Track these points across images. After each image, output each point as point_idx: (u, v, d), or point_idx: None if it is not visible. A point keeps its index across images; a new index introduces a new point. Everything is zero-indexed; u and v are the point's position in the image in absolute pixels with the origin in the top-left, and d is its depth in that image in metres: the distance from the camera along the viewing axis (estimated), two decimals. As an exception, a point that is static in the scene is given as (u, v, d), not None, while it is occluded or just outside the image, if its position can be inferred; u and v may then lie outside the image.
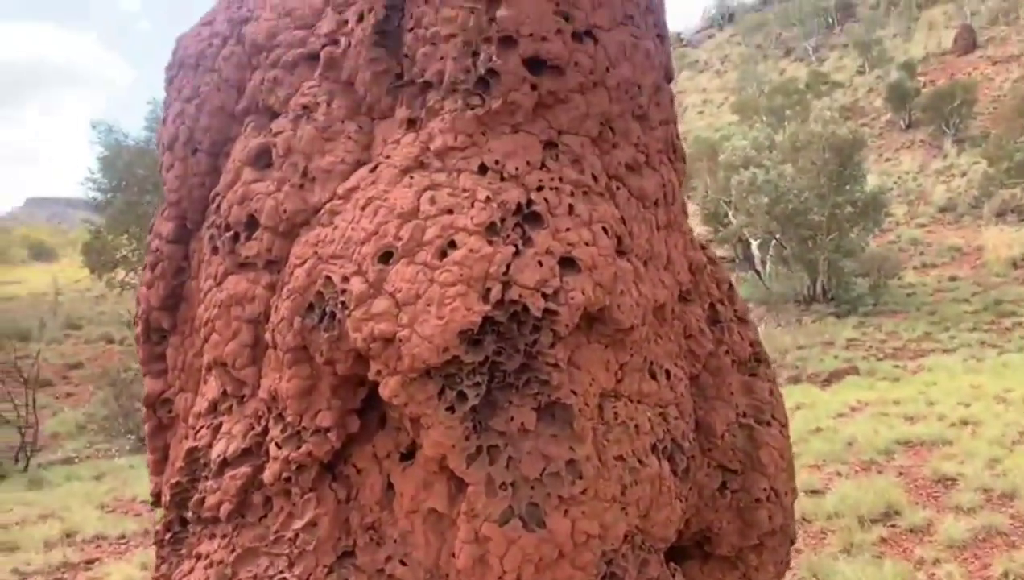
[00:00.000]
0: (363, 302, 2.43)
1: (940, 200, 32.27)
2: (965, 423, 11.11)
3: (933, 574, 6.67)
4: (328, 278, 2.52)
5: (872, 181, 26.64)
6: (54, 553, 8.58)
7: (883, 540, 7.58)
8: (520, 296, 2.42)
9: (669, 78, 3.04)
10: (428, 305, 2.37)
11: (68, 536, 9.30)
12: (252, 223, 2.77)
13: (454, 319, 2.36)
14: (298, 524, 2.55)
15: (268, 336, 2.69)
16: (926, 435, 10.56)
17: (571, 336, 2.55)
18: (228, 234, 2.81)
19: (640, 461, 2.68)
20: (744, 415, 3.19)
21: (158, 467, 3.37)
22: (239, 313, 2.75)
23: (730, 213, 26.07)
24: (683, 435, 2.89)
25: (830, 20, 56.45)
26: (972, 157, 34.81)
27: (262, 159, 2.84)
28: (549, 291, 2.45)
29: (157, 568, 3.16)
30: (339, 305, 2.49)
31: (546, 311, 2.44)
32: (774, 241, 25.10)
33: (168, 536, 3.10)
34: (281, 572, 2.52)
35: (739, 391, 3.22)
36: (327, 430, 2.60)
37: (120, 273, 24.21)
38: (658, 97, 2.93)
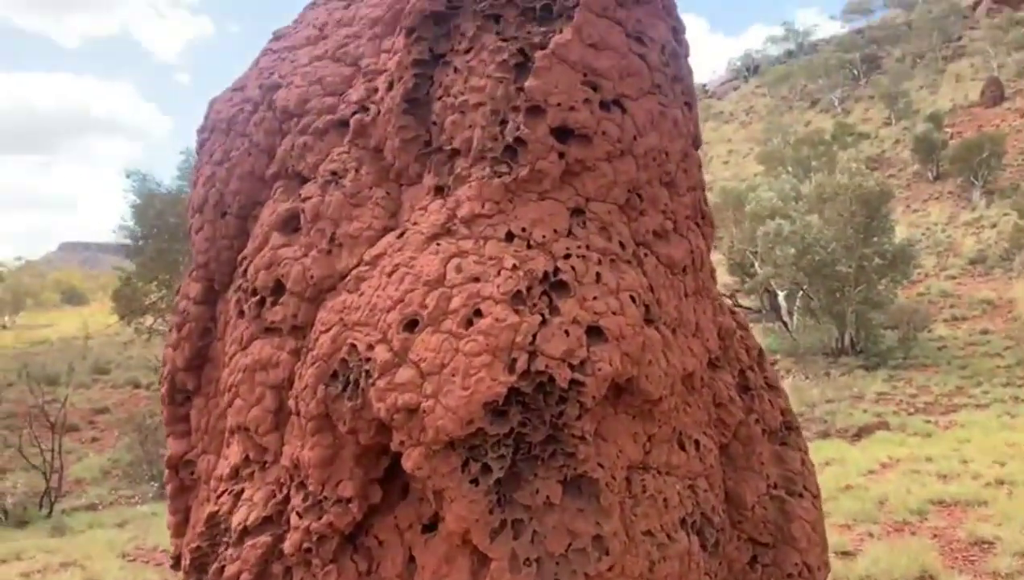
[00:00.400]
0: (387, 371, 2.41)
1: (970, 252, 31.91)
2: (1001, 483, 10.81)
3: (972, 645, 6.43)
4: (353, 346, 2.50)
5: (900, 232, 26.43)
6: (76, 603, 8.54)
7: (919, 607, 7.35)
8: (546, 366, 2.38)
9: (697, 145, 3.03)
10: (453, 375, 2.35)
11: (89, 586, 9.25)
12: (279, 288, 2.78)
13: (479, 390, 2.33)
14: (318, 597, 2.50)
15: (292, 403, 2.67)
16: (960, 495, 10.28)
17: (598, 407, 2.51)
18: (254, 299, 2.81)
19: (669, 536, 2.61)
20: (775, 486, 3.11)
21: (179, 529, 3.34)
22: (263, 378, 2.74)
23: (756, 264, 25.93)
24: (713, 508, 2.82)
25: (855, 72, 56.68)
26: (1002, 209, 34.48)
27: (290, 224, 2.86)
28: (576, 362, 2.41)
29: (175, 633, 3.11)
30: (363, 373, 2.47)
31: (573, 382, 2.41)
32: (801, 292, 24.88)
33: (187, 602, 3.06)
34: (300, 647, 2.46)
35: (770, 461, 3.15)
36: (349, 500, 2.56)
37: (148, 319, 24.45)
38: (686, 164, 2.92)
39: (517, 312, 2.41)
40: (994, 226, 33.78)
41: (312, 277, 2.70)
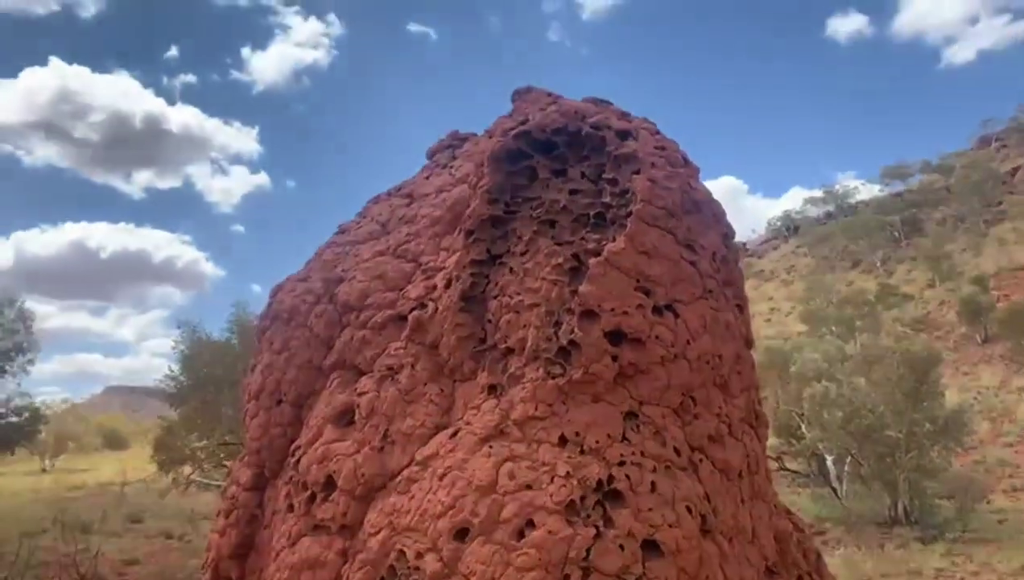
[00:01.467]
0: (437, 582, 2.36)
1: (1027, 418, 30.81)
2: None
3: None
4: (402, 552, 2.47)
5: (951, 397, 25.75)
6: None
7: None
8: (600, 582, 2.31)
9: (749, 346, 3.05)
10: (504, 590, 2.28)
11: None
12: (330, 484, 2.77)
13: (531, 607, 2.26)
14: None
15: (337, 607, 2.61)
16: None
17: (653, 624, 2.41)
18: (305, 494, 2.81)
19: None
20: None
21: None
22: (310, 578, 2.69)
23: (803, 426, 25.32)
24: None
25: (896, 234, 57.05)
26: (1056, 374, 33.51)
27: (345, 417, 2.89)
28: (631, 578, 2.34)
29: None
30: (412, 583, 2.41)
31: (628, 600, 2.32)
32: (850, 457, 24.10)
33: None
34: None
35: (834, 680, 2.95)
36: None
37: (187, 469, 24.35)
38: (739, 366, 2.92)
39: (570, 523, 2.37)
40: (1050, 391, 32.76)
41: (363, 475, 2.70)
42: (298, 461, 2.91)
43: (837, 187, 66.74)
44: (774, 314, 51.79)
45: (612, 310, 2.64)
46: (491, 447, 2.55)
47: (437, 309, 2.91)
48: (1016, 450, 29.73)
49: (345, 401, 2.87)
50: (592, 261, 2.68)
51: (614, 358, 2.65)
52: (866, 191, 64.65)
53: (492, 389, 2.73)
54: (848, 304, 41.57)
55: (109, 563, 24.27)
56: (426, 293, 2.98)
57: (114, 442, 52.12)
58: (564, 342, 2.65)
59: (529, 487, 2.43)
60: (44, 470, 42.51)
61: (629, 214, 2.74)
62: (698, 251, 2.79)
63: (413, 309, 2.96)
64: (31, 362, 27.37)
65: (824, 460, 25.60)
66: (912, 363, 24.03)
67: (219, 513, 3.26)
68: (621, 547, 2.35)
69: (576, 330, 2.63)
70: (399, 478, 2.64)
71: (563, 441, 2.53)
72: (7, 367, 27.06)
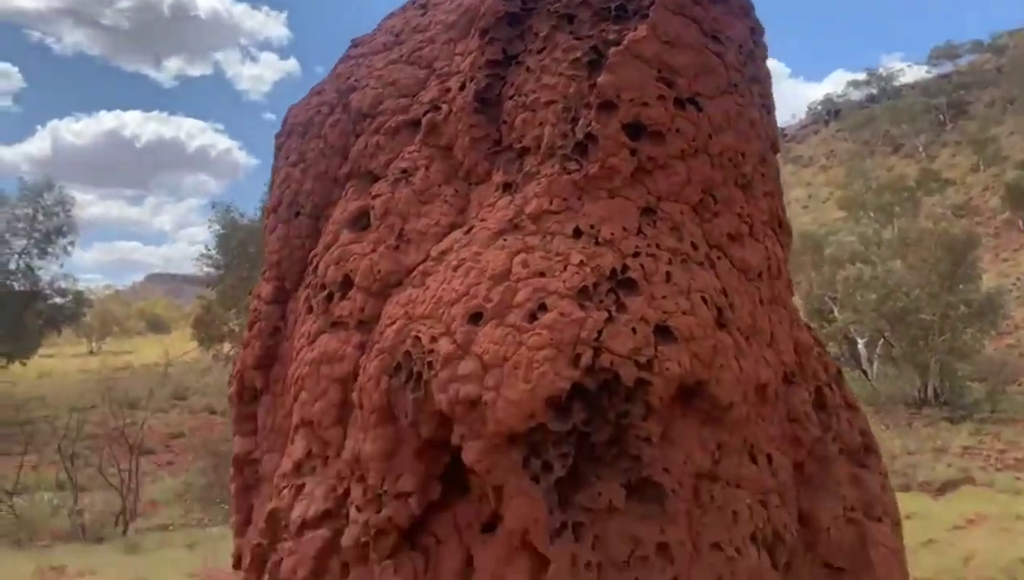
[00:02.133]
0: (450, 363, 2.38)
1: (1064, 304, 30.38)
2: (1100, 546, 10.10)
3: None
4: (417, 338, 2.48)
5: (988, 281, 25.38)
6: (143, 617, 8.69)
7: (1010, 672, 6.87)
8: (612, 364, 2.31)
9: (775, 149, 2.95)
10: (515, 368, 2.30)
11: (157, 602, 9.41)
12: (347, 283, 2.79)
13: (541, 384, 2.27)
14: (374, 593, 2.45)
15: (355, 396, 2.66)
16: (1059, 559, 9.64)
17: (665, 410, 2.42)
18: (323, 294, 2.83)
19: (738, 550, 2.48)
20: (852, 509, 2.94)
21: (241, 528, 3.35)
22: (328, 372, 2.74)
23: (835, 310, 25.20)
24: (785, 526, 2.68)
25: (941, 118, 55.15)
26: (1099, 260, 32.83)
27: (360, 221, 2.87)
28: (643, 360, 2.34)
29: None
30: (426, 366, 2.44)
31: (638, 381, 2.33)
32: (882, 340, 24.04)
33: (246, 601, 3.05)
34: (353, 642, 2.41)
35: (847, 483, 2.99)
36: (408, 495, 2.51)
37: (226, 346, 25.09)
38: (763, 168, 2.84)
39: (583, 307, 2.36)
40: (1091, 278, 32.16)
41: (379, 272, 2.70)
42: (316, 266, 2.92)
43: (881, 69, 64.08)
44: (811, 201, 50.93)
45: (631, 101, 2.56)
46: (505, 240, 2.52)
47: (451, 111, 2.85)
48: (1052, 335, 29.33)
49: (360, 205, 2.86)
50: (612, 51, 2.57)
51: (632, 152, 2.58)
52: (912, 73, 61.99)
53: (507, 187, 2.68)
54: (887, 190, 40.62)
55: (156, 436, 25.28)
56: (440, 96, 2.91)
57: (156, 326, 53.71)
58: (581, 137, 2.59)
59: (542, 274, 2.41)
60: (91, 352, 44.08)
61: (652, 3, 2.61)
62: (724, 43, 2.67)
63: (427, 112, 2.89)
64: (72, 244, 28.03)
65: (855, 343, 25.59)
66: (950, 245, 23.61)
67: (245, 327, 3.31)
68: (633, 330, 2.34)
69: (593, 123, 2.56)
70: (414, 273, 2.64)
71: (577, 233, 2.50)
72: (49, 249, 27.69)
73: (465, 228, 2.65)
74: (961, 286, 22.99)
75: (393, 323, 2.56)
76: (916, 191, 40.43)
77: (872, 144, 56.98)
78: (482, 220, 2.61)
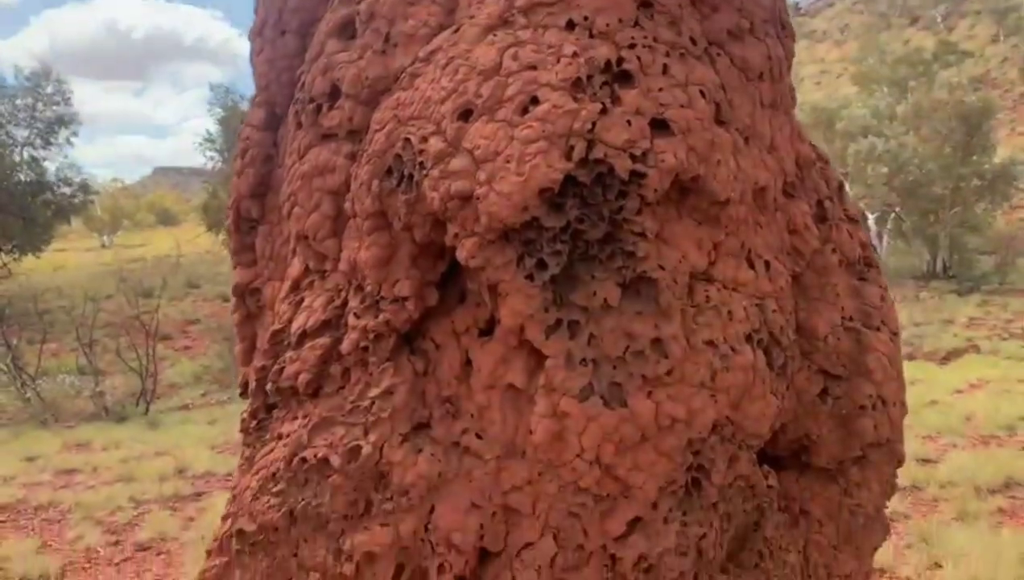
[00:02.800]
0: (440, 160, 2.34)
1: (1079, 177, 29.94)
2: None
3: (1059, 544, 6.17)
4: (407, 140, 2.43)
5: (1002, 153, 24.96)
6: (167, 485, 9.10)
7: (1001, 510, 7.09)
8: (605, 156, 2.27)
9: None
10: (507, 162, 2.26)
11: (180, 471, 9.83)
12: (335, 93, 2.72)
13: (534, 177, 2.23)
14: (374, 392, 2.49)
15: (348, 205, 2.63)
16: (1055, 414, 9.83)
17: (660, 207, 2.39)
18: (311, 106, 2.76)
19: (732, 348, 2.50)
20: (850, 319, 2.95)
21: (246, 358, 3.39)
22: (320, 184, 2.71)
23: (846, 184, 24.94)
24: (781, 330, 2.69)
25: (962, -14, 52.97)
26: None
27: (346, 31, 2.78)
28: (637, 152, 2.29)
29: (243, 455, 3.17)
30: (417, 166, 2.40)
31: (633, 174, 2.29)
32: (893, 214, 23.89)
33: (253, 424, 3.11)
34: (356, 440, 2.47)
35: (846, 293, 2.98)
36: (405, 299, 2.52)
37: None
38: (764, -38, 2.71)
39: (576, 100, 2.29)
40: (1108, 150, 31.55)
41: (367, 78, 2.62)
42: (303, 83, 2.85)
43: (902, -64, 61.19)
44: (824, 77, 49.66)
45: None
46: (495, 35, 2.43)
47: (439, -89, 2.70)
48: (1065, 206, 29.08)
49: (346, 13, 2.75)
50: None
51: (627, -58, 2.45)
52: (933, -60, 59.20)
53: (498, -12, 2.57)
54: (903, 64, 39.43)
55: (172, 323, 25.68)
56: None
57: (166, 219, 53.86)
58: (573, -73, 2.45)
59: (534, 68, 2.34)
60: (104, 245, 44.36)
61: None
62: None
63: (414, -87, 2.74)
64: (75, 135, 27.79)
65: (866, 217, 25.41)
66: (965, 115, 23.15)
67: (236, 156, 3.27)
68: (628, 122, 2.28)
69: (586, -89, 2.42)
70: (403, 76, 2.57)
71: (571, 25, 2.41)
72: (52, 140, 27.48)
73: (454, 27, 2.56)
74: (974, 158, 22.67)
75: (383, 128, 2.50)
76: (932, 64, 39.25)
77: (888, 16, 55.01)
78: (471, 17, 2.51)
